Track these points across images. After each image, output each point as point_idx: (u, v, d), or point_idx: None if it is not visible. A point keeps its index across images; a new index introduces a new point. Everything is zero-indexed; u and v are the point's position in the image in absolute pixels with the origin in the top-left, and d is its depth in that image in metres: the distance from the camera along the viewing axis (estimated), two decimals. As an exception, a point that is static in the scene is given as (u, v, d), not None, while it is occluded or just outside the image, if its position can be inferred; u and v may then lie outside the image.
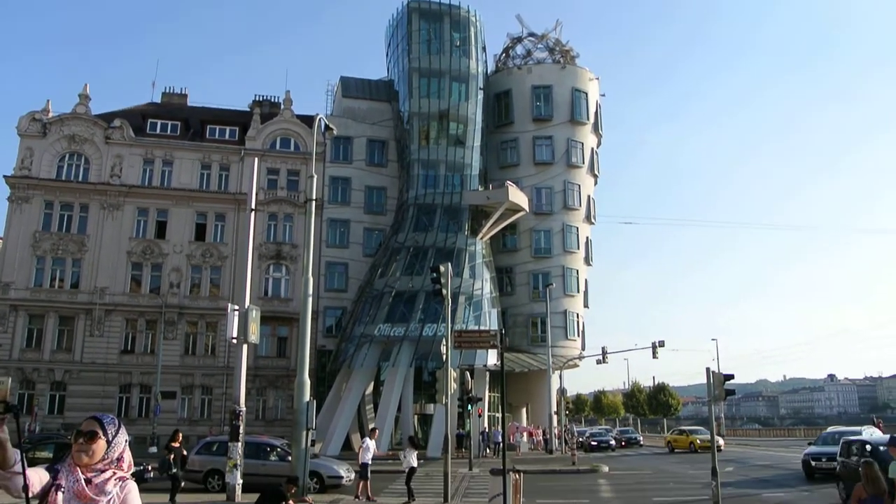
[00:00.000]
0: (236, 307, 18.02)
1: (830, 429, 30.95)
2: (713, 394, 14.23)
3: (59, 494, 3.20)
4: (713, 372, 14.41)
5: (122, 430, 3.49)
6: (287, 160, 49.09)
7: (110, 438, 3.40)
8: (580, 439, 47.27)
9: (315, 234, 40.26)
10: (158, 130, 48.70)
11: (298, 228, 46.55)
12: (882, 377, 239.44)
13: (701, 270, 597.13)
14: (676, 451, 43.40)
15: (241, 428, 17.76)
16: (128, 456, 3.47)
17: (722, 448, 41.10)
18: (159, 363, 41.60)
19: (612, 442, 49.21)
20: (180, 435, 18.13)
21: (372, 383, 42.48)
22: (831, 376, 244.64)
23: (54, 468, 3.29)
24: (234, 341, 18.35)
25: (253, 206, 20.04)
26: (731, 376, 15.04)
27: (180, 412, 43.89)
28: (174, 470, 16.64)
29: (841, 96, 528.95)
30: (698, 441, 41.94)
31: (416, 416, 42.23)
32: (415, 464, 18.51)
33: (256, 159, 24.24)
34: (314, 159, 22.77)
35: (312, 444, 21.49)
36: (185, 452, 17.91)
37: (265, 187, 47.48)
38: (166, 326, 44.54)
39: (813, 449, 24.32)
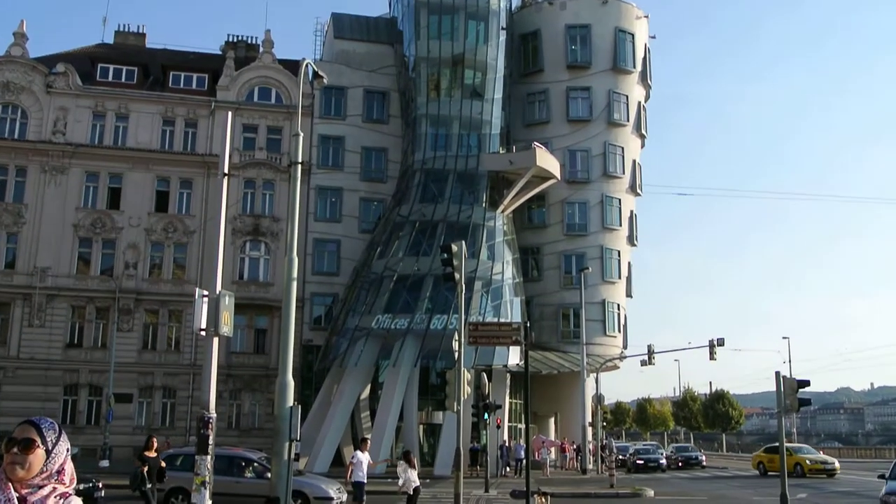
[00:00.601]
0: (205, 292, 18.04)
1: None
2: (784, 403, 14.26)
3: None
4: (784, 377, 14.44)
5: (64, 438, 3.51)
6: (267, 115, 49.13)
7: (50, 447, 3.42)
8: (622, 457, 47.45)
9: (301, 204, 40.18)
10: (111, 77, 48.76)
11: (281, 198, 46.68)
12: None
13: (762, 254, 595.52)
14: (771, 473, 38.04)
15: (211, 438, 17.87)
16: (70, 468, 3.49)
17: (837, 473, 38.25)
18: (112, 359, 41.90)
19: (664, 461, 48.17)
20: (155, 441, 18.24)
21: (368, 386, 42.74)
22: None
23: None
24: (203, 334, 18.38)
25: (226, 171, 20.03)
26: (806, 382, 15.05)
27: (137, 419, 44.35)
28: (148, 486, 16.66)
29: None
30: (808, 462, 38.22)
31: (421, 426, 42.56)
32: (417, 483, 18.67)
33: (230, 113, 24.21)
34: (300, 114, 22.79)
35: (296, 459, 21.64)
36: (163, 464, 17.97)
37: (240, 147, 47.54)
38: (121, 315, 44.82)
39: None
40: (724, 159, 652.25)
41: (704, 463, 52.63)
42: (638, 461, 46.90)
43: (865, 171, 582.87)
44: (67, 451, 3.52)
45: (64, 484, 3.43)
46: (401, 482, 18.79)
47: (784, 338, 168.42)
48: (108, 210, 46.50)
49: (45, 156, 45.81)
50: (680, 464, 50.49)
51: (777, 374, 14.51)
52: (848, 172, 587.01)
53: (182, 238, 47.02)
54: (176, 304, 45.52)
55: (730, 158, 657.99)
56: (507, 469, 39.57)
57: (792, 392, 14.58)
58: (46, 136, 46.01)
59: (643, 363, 47.72)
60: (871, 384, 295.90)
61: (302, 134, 21.55)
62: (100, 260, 46.31)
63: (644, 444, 60.28)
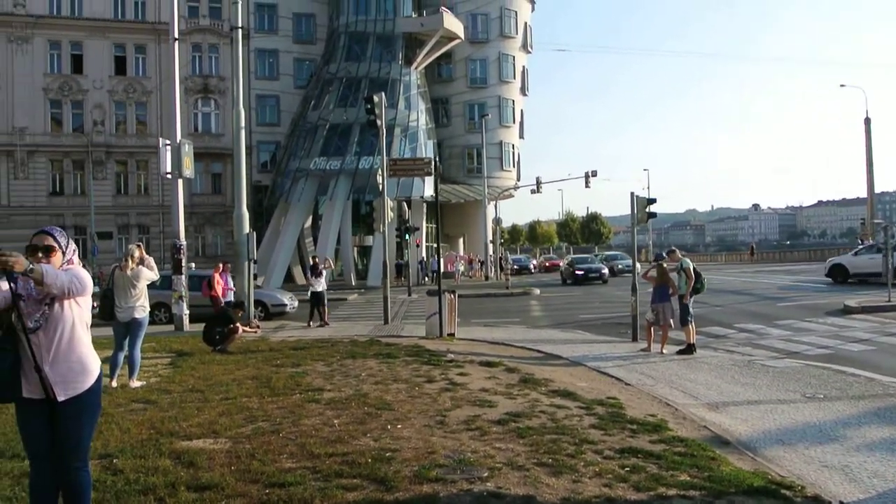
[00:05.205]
0: (167, 142, 17.82)
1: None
2: (636, 217, 15.05)
3: (21, 303, 3.59)
4: (637, 196, 15.12)
5: (70, 240, 3.89)
6: (208, -15, 46.19)
7: (64, 249, 3.77)
8: (516, 266, 49.25)
9: (243, 65, 38.80)
10: (63, -48, 44.74)
11: (224, 60, 44.79)
12: (802, 206, 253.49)
13: (638, 102, 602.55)
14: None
15: (183, 261, 18.17)
16: (76, 259, 3.87)
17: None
18: (91, 204, 40.99)
19: (606, 271, 36.80)
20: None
21: (310, 217, 42.97)
22: (756, 206, 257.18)
23: (12, 276, 3.49)
24: (168, 177, 18.30)
25: (176, 36, 19.24)
26: (653, 200, 15.82)
27: (118, 252, 43.79)
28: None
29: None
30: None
31: (355, 248, 43.33)
32: (319, 289, 18.58)
33: (175, -16, 22.83)
34: (237, -16, 21.66)
35: (255, 278, 22.08)
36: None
37: (186, 15, 44.90)
38: (95, 166, 43.44)
39: None
40: (590, 18, 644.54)
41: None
42: (577, 272, 36.15)
43: (711, 29, 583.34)
44: (74, 250, 3.88)
45: (72, 264, 3.82)
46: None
47: (644, 169, 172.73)
48: (73, 75, 44.06)
49: (9, 27, 42.51)
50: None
51: (631, 193, 15.02)
52: (696, 32, 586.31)
53: (141, 98, 45.07)
54: (141, 154, 44.20)
55: (596, 17, 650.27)
56: (426, 279, 40.90)
57: (642, 207, 15.25)
58: (8, 9, 42.55)
59: (533, 192, 48.95)
60: (712, 206, 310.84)
61: (240, 1, 20.68)
62: (71, 119, 44.32)
63: (581, 256, 46.42)
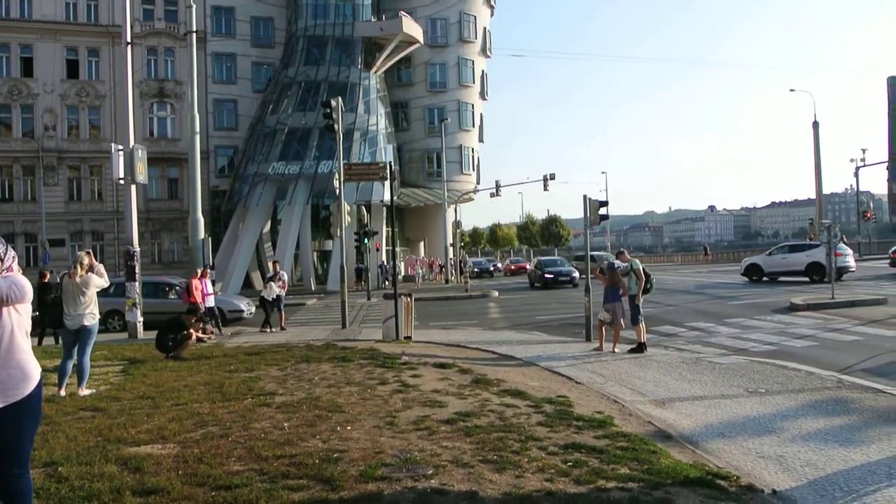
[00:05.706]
0: (120, 147, 17.59)
1: None
2: (588, 219, 15.31)
3: None
4: (589, 198, 15.39)
5: (9, 248, 3.87)
6: (163, -13, 45.57)
7: (3, 256, 3.77)
8: (476, 269, 49.55)
9: (199, 69, 38.41)
10: (10, -47, 43.78)
11: (181, 63, 44.20)
12: (756, 207, 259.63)
13: (599, 106, 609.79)
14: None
15: (137, 268, 17.93)
16: (15, 266, 3.87)
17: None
18: (42, 210, 40.11)
19: (576, 274, 33.95)
20: (48, 274, 17.92)
21: (269, 222, 42.65)
22: (711, 207, 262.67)
23: None
24: (122, 182, 18.07)
25: (129, 39, 18.99)
26: (605, 203, 16.09)
27: (71, 259, 42.92)
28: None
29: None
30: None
31: (315, 253, 43.12)
32: (270, 296, 18.42)
33: (127, -13, 22.53)
34: (191, -13, 21.47)
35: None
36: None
37: (141, 18, 44.27)
38: (46, 172, 42.51)
39: None
40: (551, 23, 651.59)
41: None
42: (546, 275, 34.63)
43: (671, 35, 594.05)
44: (14, 257, 3.87)
45: (11, 271, 3.81)
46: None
47: (602, 172, 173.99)
48: (22, 78, 43.04)
49: (-44, 28, 41.44)
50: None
51: (584, 196, 15.30)
52: (659, 34, 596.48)
53: (95, 102, 44.24)
54: (95, 159, 43.39)
55: (557, 23, 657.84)
56: (387, 283, 40.74)
57: (595, 210, 15.51)
58: (-46, 10, 41.48)
59: (492, 195, 49.29)
60: (670, 207, 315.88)
61: (195, 5, 20.52)
62: (20, 123, 43.29)
63: (553, 259, 42.99)
